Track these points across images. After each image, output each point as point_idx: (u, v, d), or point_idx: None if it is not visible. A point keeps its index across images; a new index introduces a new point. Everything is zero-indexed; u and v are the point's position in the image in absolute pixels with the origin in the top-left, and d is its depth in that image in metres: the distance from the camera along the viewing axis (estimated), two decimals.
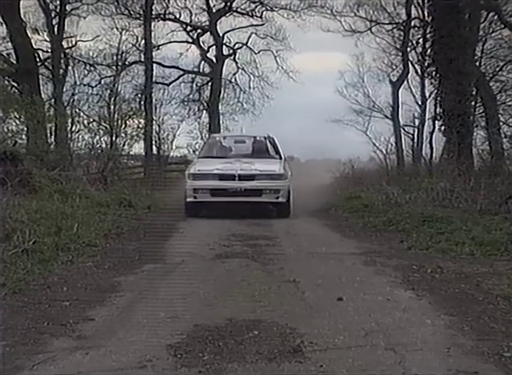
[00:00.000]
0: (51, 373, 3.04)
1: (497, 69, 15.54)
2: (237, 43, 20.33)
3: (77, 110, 16.48)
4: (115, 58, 18.60)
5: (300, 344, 3.32)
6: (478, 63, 14.63)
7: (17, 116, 12.52)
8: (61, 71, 17.46)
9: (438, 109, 12.96)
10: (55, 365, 3.12)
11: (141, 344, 3.35)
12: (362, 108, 20.59)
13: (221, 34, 19.88)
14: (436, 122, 14.43)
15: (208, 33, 19.93)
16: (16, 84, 15.58)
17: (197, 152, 13.78)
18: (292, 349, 3.25)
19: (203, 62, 20.21)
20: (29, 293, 4.44)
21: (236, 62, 20.45)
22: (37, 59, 16.62)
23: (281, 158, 10.79)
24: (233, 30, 19.97)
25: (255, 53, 20.33)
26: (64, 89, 17.40)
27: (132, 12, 18.55)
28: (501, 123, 14.60)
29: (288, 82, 20.18)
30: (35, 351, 3.29)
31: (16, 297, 4.32)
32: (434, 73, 12.96)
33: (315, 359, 3.13)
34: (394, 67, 19.36)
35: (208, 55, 20.13)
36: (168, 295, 4.42)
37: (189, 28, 19.97)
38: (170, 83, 19.85)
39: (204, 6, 19.60)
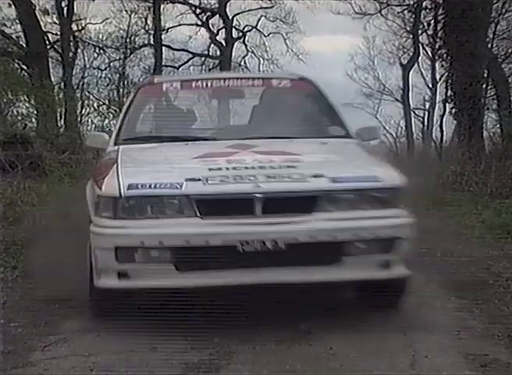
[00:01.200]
0: (62, 353, 3.06)
1: (510, 50, 15.39)
2: (247, 26, 20.24)
3: (87, 93, 16.50)
4: (124, 41, 18.56)
5: (310, 326, 3.32)
6: (490, 45, 14.48)
7: (27, 99, 12.55)
8: (70, 54, 17.44)
9: (448, 92, 12.85)
10: (66, 346, 3.15)
11: (152, 326, 3.36)
12: (372, 91, 20.53)
13: (230, 17, 19.77)
14: (447, 105, 14.33)
15: (217, 15, 19.82)
16: (25, 67, 15.59)
17: None
18: (301, 331, 3.25)
19: (212, 45, 20.13)
20: (40, 276, 4.47)
21: (246, 45, 20.37)
22: (47, 42, 16.60)
23: (348, 135, 4.13)
24: (243, 12, 19.87)
25: (265, 36, 20.23)
26: (73, 72, 17.40)
27: None
28: None
29: (298, 65, 20.07)
30: (46, 332, 3.32)
31: (27, 279, 4.35)
32: (445, 55, 12.84)
33: (325, 341, 3.13)
34: (405, 50, 19.21)
35: (217, 38, 20.03)
36: None
37: (198, 11, 19.87)
38: (179, 66, 19.79)
39: None
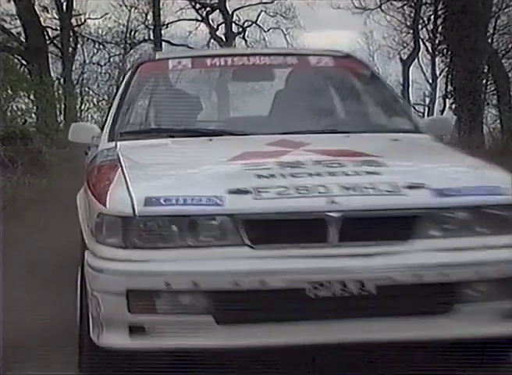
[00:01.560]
0: (62, 344, 3.07)
1: (510, 45, 15.39)
2: (247, 21, 20.22)
3: (86, 89, 16.50)
4: (123, 36, 18.55)
5: None
6: (490, 40, 14.48)
7: (26, 95, 12.55)
8: (70, 49, 17.44)
9: (449, 87, 12.88)
10: None
11: None
12: None
13: (230, 12, 19.76)
14: (447, 100, 14.35)
15: (217, 11, 19.81)
16: (25, 63, 15.58)
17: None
18: None
19: (212, 40, 20.11)
20: (42, 271, 4.48)
21: (246, 41, 20.35)
22: (46, 37, 16.59)
23: (418, 129, 3.16)
24: (243, 7, 19.86)
25: (265, 31, 20.22)
26: (73, 68, 17.40)
27: None
28: None
29: None
30: (47, 324, 3.33)
31: (29, 275, 4.36)
32: (445, 50, 12.85)
33: None
34: (405, 45, 19.22)
35: (217, 33, 20.02)
36: None
37: (198, 6, 19.86)
38: None
39: None
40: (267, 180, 2.35)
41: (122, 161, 2.64)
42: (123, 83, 3.49)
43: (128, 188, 2.35)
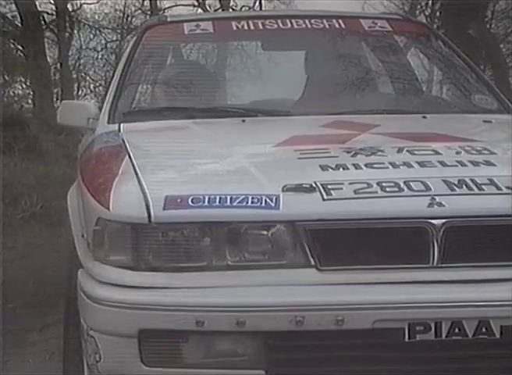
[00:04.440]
0: (60, 334, 3.08)
1: (508, 30, 15.35)
2: (244, 6, 20.03)
3: (83, 74, 16.43)
4: (120, 21, 18.47)
5: None
6: (488, 25, 14.43)
7: (23, 80, 12.51)
8: (66, 35, 17.36)
9: None
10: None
11: None
12: None
13: None
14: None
15: None
16: (20, 48, 15.50)
17: None
18: None
19: None
20: (37, 257, 4.48)
21: None
22: (42, 22, 16.50)
23: (507, 108, 2.60)
24: None
25: None
26: (69, 53, 17.32)
27: None
28: (511, 87, 14.48)
29: None
30: (43, 313, 3.33)
31: (24, 260, 4.36)
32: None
33: None
34: None
35: None
36: None
37: None
38: None
39: None
40: (336, 172, 1.71)
41: (128, 147, 2.01)
42: (127, 51, 2.80)
43: (140, 183, 1.71)
